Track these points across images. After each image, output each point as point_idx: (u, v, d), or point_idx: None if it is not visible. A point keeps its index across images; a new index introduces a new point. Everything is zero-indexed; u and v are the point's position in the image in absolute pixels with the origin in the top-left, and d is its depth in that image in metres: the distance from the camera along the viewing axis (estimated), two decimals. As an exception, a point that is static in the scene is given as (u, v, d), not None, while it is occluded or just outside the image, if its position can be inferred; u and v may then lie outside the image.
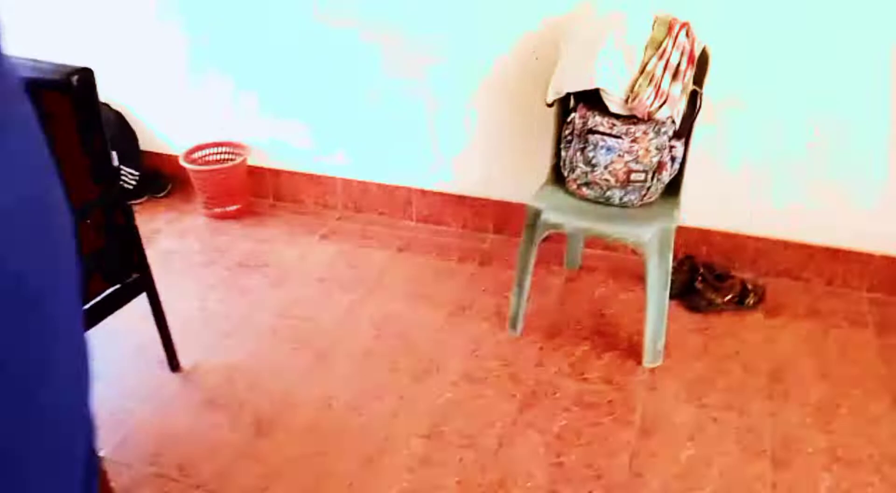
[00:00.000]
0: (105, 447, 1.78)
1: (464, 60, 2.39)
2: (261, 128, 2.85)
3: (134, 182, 2.98)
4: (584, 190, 1.98)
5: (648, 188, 1.91)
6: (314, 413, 1.88)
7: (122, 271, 1.82)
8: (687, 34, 1.80)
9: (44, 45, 2.94)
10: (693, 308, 2.22)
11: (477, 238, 2.67)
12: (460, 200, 2.67)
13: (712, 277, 2.23)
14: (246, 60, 2.69)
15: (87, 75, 1.54)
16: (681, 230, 1.97)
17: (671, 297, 2.02)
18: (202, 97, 2.86)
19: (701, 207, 2.29)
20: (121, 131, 3.00)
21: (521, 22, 2.25)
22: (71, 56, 2.99)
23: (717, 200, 2.32)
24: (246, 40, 2.64)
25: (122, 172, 2.94)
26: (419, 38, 2.40)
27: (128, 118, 3.01)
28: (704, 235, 2.37)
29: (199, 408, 1.91)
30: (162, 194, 3.04)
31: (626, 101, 1.82)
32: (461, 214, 2.70)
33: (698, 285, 2.21)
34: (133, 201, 2.98)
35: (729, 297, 2.20)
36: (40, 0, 2.86)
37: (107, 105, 2.97)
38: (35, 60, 1.62)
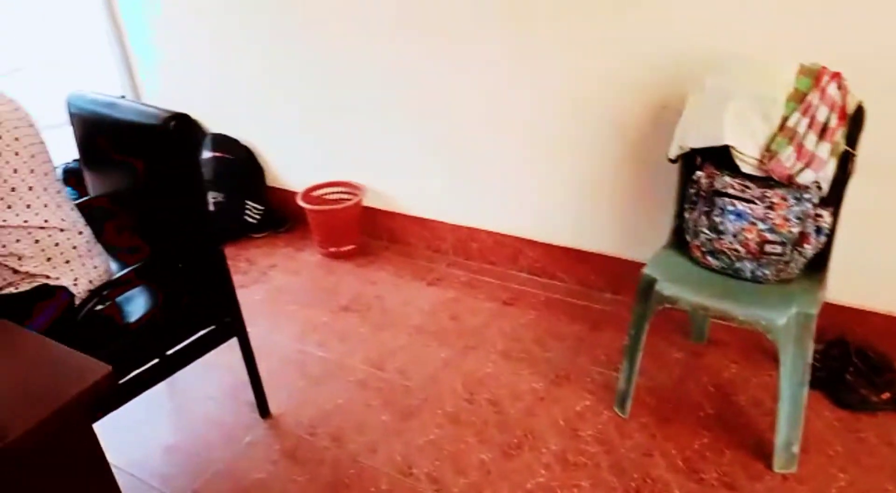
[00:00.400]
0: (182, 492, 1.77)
1: (583, 107, 2.21)
2: (376, 169, 2.82)
3: (258, 217, 3.05)
4: (710, 259, 1.72)
5: (787, 263, 1.62)
6: (393, 480, 1.77)
7: (214, 314, 1.81)
8: (839, 86, 1.51)
9: (191, 90, 3.15)
10: (841, 404, 1.87)
11: (591, 297, 2.46)
12: (574, 254, 2.47)
13: (867, 367, 1.86)
14: (367, 104, 2.67)
15: (183, 120, 1.54)
16: (830, 308, 1.66)
17: (814, 387, 1.71)
18: (323, 137, 2.88)
19: (856, 282, 1.95)
20: (249, 167, 3.10)
21: (650, 67, 2.04)
22: (207, 95, 3.13)
23: (876, 275, 1.96)
24: (368, 87, 2.63)
25: (248, 205, 3.02)
26: (538, 85, 2.26)
27: (256, 154, 3.11)
28: (860, 315, 2.01)
29: (280, 459, 1.86)
30: (282, 230, 3.10)
31: (762, 161, 1.56)
32: (575, 269, 2.50)
33: (849, 377, 1.86)
34: (255, 235, 3.06)
35: (888, 394, 1.83)
36: (182, 53, 3.04)
37: (237, 141, 3.08)
38: (144, 105, 1.66)
